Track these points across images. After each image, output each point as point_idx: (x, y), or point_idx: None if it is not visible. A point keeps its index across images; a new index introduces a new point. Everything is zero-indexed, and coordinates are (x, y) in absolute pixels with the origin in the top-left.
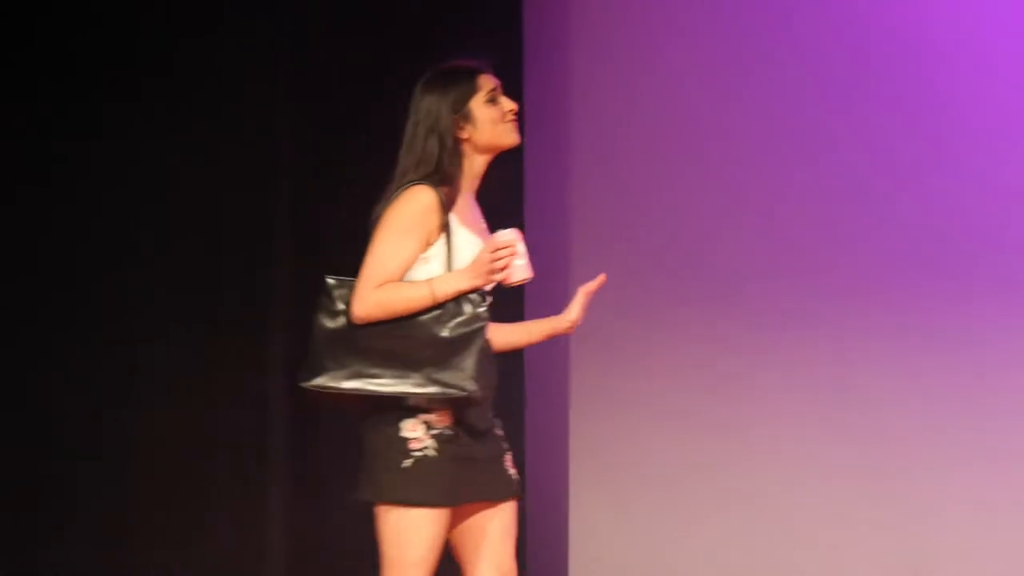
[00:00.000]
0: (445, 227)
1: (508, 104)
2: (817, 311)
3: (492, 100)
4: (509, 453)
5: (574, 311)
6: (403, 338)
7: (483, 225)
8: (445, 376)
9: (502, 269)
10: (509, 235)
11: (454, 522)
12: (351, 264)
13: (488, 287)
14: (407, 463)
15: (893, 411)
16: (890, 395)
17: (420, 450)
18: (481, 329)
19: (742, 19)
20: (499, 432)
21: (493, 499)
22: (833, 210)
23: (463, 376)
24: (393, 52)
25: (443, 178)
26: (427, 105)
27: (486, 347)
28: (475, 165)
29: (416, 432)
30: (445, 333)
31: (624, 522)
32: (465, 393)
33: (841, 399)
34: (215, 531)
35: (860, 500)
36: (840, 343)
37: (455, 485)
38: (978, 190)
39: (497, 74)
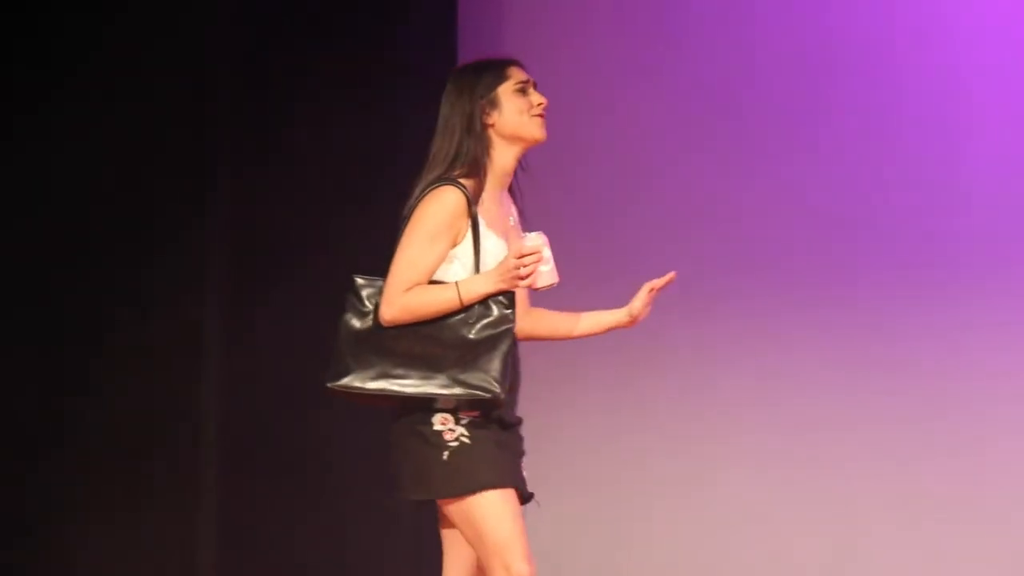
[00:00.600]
0: (472, 227)
1: (538, 98)
2: (762, 306)
3: (521, 90)
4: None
5: (637, 305)
6: (429, 339)
7: (512, 222)
8: (470, 377)
9: (528, 276)
10: (536, 240)
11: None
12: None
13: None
14: (445, 455)
15: (818, 395)
16: (811, 378)
17: (454, 440)
18: (508, 331)
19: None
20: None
21: (526, 494)
22: (779, 207)
23: (488, 378)
24: (323, 53)
25: (469, 167)
26: (457, 89)
27: (511, 349)
28: (503, 157)
29: (447, 424)
30: (471, 335)
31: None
32: (490, 395)
33: (751, 378)
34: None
35: (786, 489)
36: (757, 324)
37: (509, 469)
38: (959, 189)
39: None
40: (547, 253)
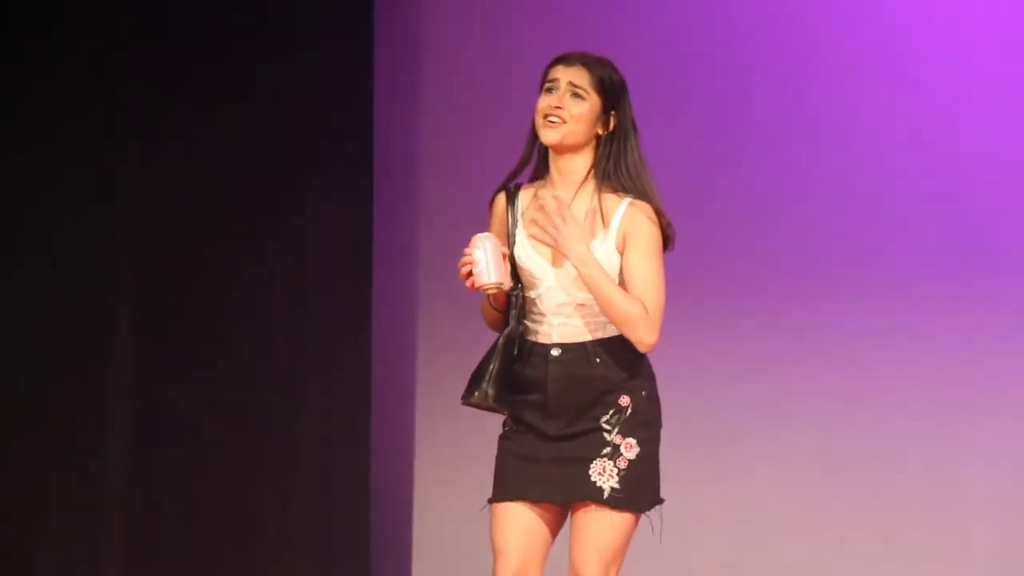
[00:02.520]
0: (509, 227)
1: (554, 100)
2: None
3: (547, 89)
4: (604, 460)
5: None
6: None
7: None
8: (469, 382)
9: (467, 276)
10: (473, 240)
11: (546, 520)
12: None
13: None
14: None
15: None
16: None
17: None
18: (503, 336)
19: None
20: (607, 437)
21: (559, 501)
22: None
23: (469, 385)
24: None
25: (536, 169)
26: None
27: (495, 355)
28: (559, 163)
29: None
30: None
31: (467, 517)
32: (470, 401)
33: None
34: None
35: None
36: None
37: (509, 481)
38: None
39: (601, 76)
40: (477, 255)
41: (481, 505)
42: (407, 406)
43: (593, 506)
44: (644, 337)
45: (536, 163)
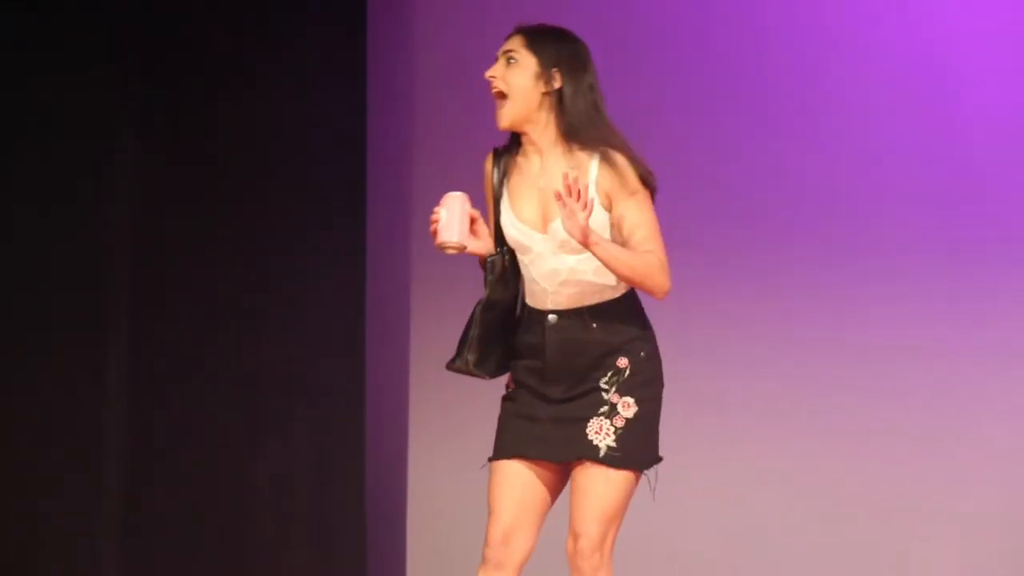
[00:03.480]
0: (495, 189)
1: (489, 71)
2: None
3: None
4: (601, 419)
5: None
6: None
7: (552, 208)
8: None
9: (432, 232)
10: (443, 199)
11: (544, 480)
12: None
13: (461, 251)
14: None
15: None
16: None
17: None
18: (480, 303)
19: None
20: (605, 396)
21: (555, 459)
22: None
23: (456, 351)
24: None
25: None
26: None
27: (482, 317)
28: (535, 129)
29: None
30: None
31: (463, 490)
32: (453, 366)
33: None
34: None
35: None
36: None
37: (508, 440)
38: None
39: (534, 37)
40: (442, 213)
41: (475, 478)
42: (401, 380)
43: (590, 465)
44: (661, 284)
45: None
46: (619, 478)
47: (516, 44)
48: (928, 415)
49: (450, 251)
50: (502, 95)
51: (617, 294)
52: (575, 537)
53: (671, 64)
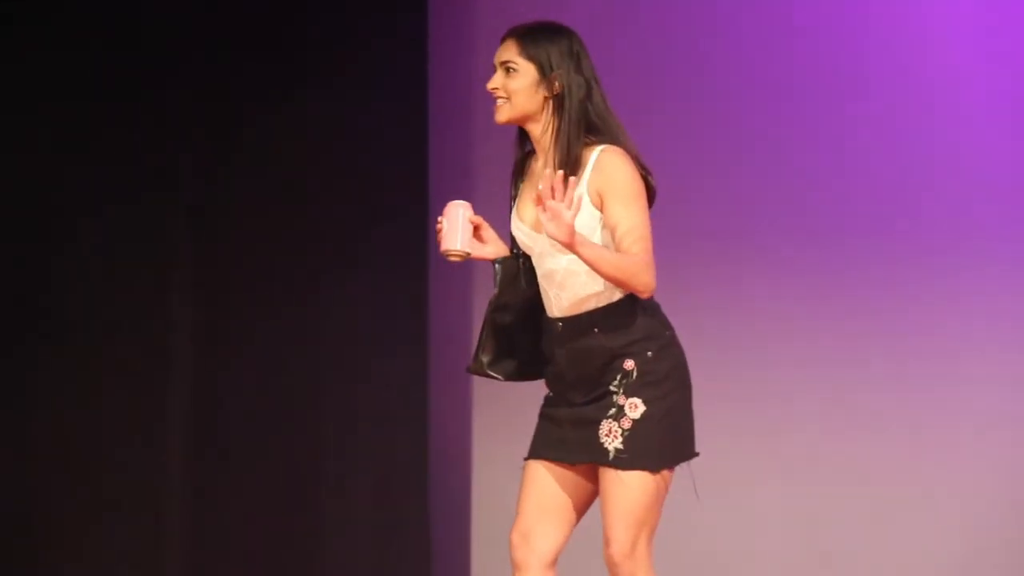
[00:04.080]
0: (512, 193)
1: (490, 83)
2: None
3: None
4: (610, 421)
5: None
6: None
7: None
8: None
9: (440, 240)
10: (447, 205)
11: (564, 481)
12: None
13: (464, 258)
14: None
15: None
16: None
17: None
18: (489, 304)
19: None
20: (614, 399)
21: (570, 462)
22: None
23: (477, 352)
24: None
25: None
26: None
27: (491, 318)
28: (534, 134)
29: None
30: None
31: None
32: (471, 368)
33: (742, 374)
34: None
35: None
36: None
37: (537, 441)
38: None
39: (528, 43)
40: (445, 221)
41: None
42: (464, 380)
43: (604, 469)
44: (645, 284)
45: (523, 133)
46: (633, 479)
47: (512, 52)
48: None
49: (453, 259)
50: (505, 99)
51: (616, 297)
52: (606, 543)
53: (713, 60)
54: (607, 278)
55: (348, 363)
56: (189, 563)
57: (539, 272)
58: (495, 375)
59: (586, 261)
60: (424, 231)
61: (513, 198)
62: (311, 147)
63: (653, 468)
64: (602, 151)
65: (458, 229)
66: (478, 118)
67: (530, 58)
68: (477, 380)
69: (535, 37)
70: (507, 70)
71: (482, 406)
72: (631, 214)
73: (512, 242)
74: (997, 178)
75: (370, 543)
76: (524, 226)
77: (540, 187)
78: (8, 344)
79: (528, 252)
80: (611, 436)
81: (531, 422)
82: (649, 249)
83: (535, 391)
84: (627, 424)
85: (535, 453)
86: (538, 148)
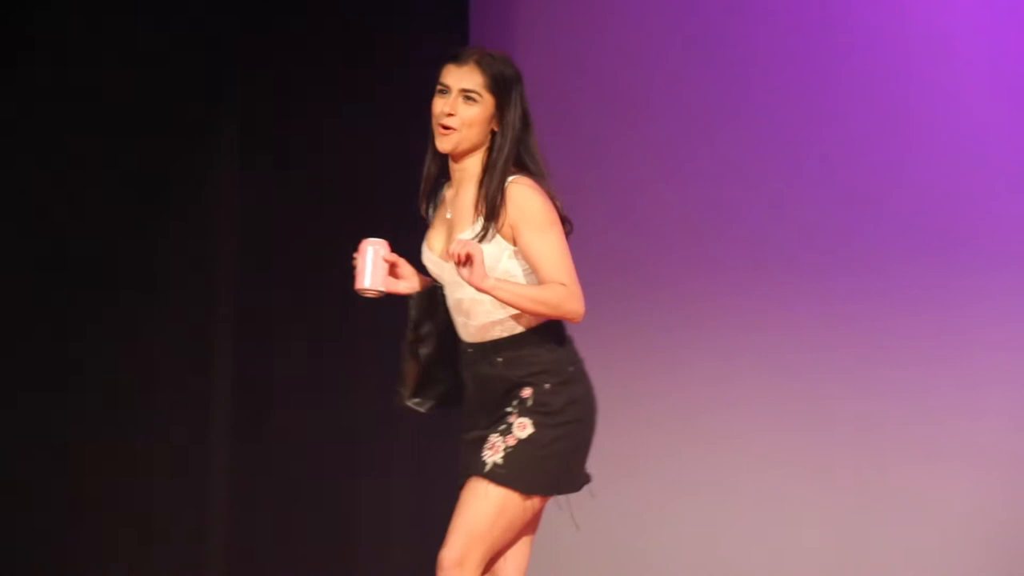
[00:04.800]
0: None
1: (446, 107)
2: (789, 298)
3: (440, 93)
4: (496, 436)
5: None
6: None
7: (448, 215)
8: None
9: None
10: (360, 245)
11: None
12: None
13: (378, 295)
14: None
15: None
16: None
17: None
18: (406, 337)
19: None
20: (507, 420)
21: (462, 480)
22: (810, 198)
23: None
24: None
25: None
26: None
27: (410, 352)
28: (454, 162)
29: None
30: None
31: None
32: (395, 403)
33: (817, 389)
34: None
35: (844, 494)
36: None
37: (460, 467)
38: (962, 180)
39: (495, 75)
40: (360, 260)
41: (583, 497)
42: None
43: (475, 479)
44: (573, 311)
45: (438, 155)
46: (495, 494)
47: (475, 81)
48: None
49: (368, 295)
50: (452, 129)
51: (520, 329)
52: (444, 545)
53: (754, 60)
54: (532, 314)
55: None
56: (232, 558)
57: (449, 301)
58: (415, 408)
59: (505, 301)
60: None
61: (427, 224)
62: (359, 149)
63: (524, 490)
64: (510, 183)
65: (369, 267)
66: None
67: (492, 91)
68: None
69: (501, 70)
70: (467, 98)
71: None
72: (549, 243)
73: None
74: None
75: (408, 534)
76: (432, 255)
77: (451, 247)
78: (49, 339)
79: (438, 280)
80: (493, 450)
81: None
82: (573, 276)
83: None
84: (512, 442)
85: (460, 480)
86: (457, 177)
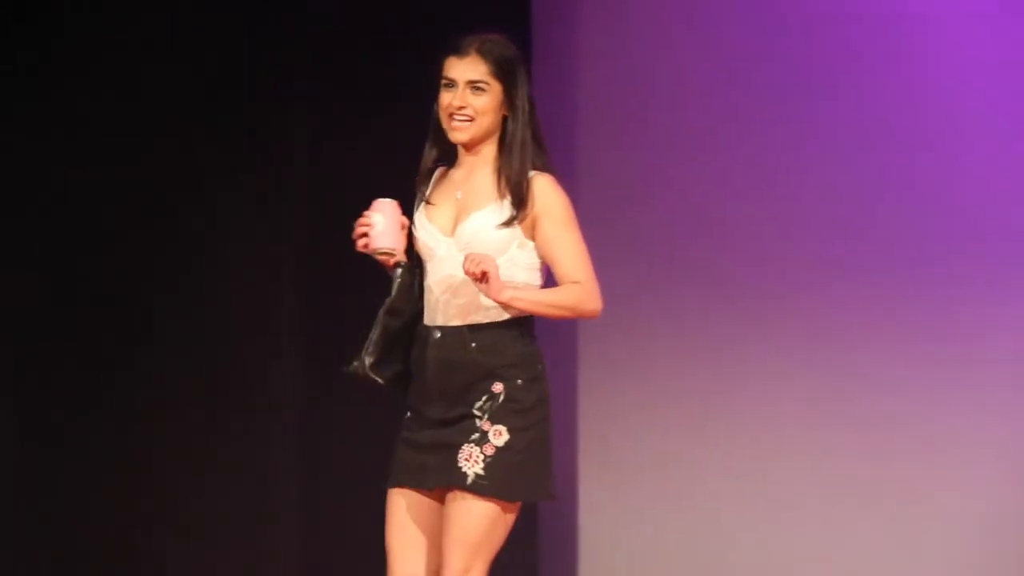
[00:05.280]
0: (423, 193)
1: (456, 100)
2: (829, 300)
3: (447, 86)
4: (472, 446)
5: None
6: None
7: (458, 196)
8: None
9: (359, 236)
10: (374, 205)
11: (428, 510)
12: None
13: (394, 258)
14: None
15: (907, 401)
16: (904, 384)
17: None
18: (384, 305)
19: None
20: (477, 423)
21: (428, 487)
22: (845, 199)
23: (360, 353)
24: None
25: (438, 143)
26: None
27: (384, 321)
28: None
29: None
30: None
31: (634, 519)
32: (349, 369)
33: (854, 387)
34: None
35: (875, 492)
36: (851, 331)
37: (398, 468)
38: (977, 183)
39: (495, 63)
40: (375, 218)
41: (641, 507)
42: (570, 407)
43: (458, 492)
44: (592, 310)
45: (440, 142)
46: (486, 508)
47: (480, 71)
48: None
49: (382, 257)
50: (466, 119)
51: (502, 316)
52: (443, 568)
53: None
54: (550, 317)
55: None
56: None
57: (432, 277)
58: (376, 378)
59: (528, 311)
60: None
61: (424, 200)
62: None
63: (509, 498)
64: (534, 176)
65: (394, 228)
66: (582, 119)
67: (498, 78)
68: (584, 404)
69: (504, 55)
70: (476, 89)
71: (588, 420)
72: (570, 239)
73: (409, 246)
74: None
75: None
76: (432, 227)
77: (465, 264)
78: (120, 346)
79: (424, 254)
80: (471, 461)
81: (639, 444)
82: (591, 273)
83: (645, 413)
84: (490, 451)
85: (395, 481)
86: (469, 160)
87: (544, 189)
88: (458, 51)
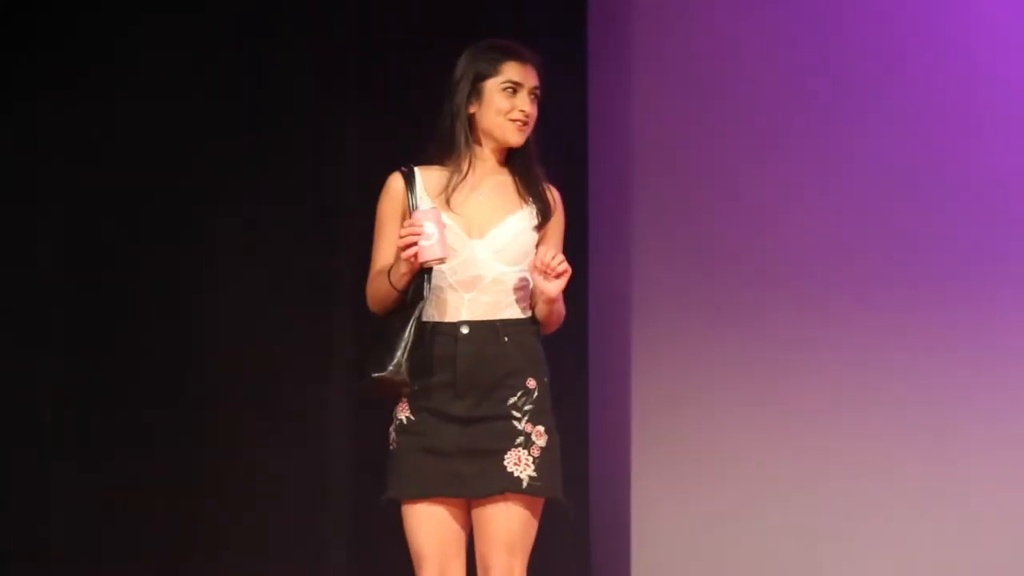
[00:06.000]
0: (408, 208)
1: (522, 104)
2: (881, 304)
3: (510, 91)
4: (519, 450)
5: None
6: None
7: (492, 216)
8: (368, 363)
9: (406, 247)
10: (418, 215)
11: (458, 517)
12: None
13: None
14: (391, 455)
15: (958, 407)
16: (955, 390)
17: (392, 442)
18: (409, 314)
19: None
20: (517, 425)
21: (478, 496)
22: (895, 205)
23: (376, 360)
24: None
25: (445, 149)
26: (461, 66)
27: (412, 332)
28: (484, 150)
29: (393, 424)
30: (385, 319)
31: (687, 521)
32: (368, 381)
33: (908, 391)
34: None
35: (924, 492)
36: (902, 335)
37: (418, 477)
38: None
39: (541, 76)
40: (428, 228)
41: (700, 506)
42: (623, 408)
43: (512, 496)
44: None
45: (438, 140)
46: (533, 508)
47: (537, 82)
48: None
49: (434, 264)
50: (527, 124)
51: (526, 314)
52: (485, 571)
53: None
54: (553, 323)
55: None
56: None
57: (454, 277)
58: (410, 384)
59: (554, 309)
60: (583, 228)
61: (446, 200)
62: None
63: (559, 495)
64: (548, 187)
65: (444, 235)
66: (636, 115)
67: (542, 90)
68: (637, 386)
69: (542, 70)
70: (533, 96)
71: (641, 408)
72: (560, 249)
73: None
74: None
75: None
76: (459, 229)
77: (536, 259)
78: (166, 348)
79: (451, 252)
80: (522, 465)
81: (692, 430)
82: None
83: (698, 399)
84: (536, 452)
85: (424, 491)
86: (489, 164)
87: (559, 201)
88: (521, 57)
